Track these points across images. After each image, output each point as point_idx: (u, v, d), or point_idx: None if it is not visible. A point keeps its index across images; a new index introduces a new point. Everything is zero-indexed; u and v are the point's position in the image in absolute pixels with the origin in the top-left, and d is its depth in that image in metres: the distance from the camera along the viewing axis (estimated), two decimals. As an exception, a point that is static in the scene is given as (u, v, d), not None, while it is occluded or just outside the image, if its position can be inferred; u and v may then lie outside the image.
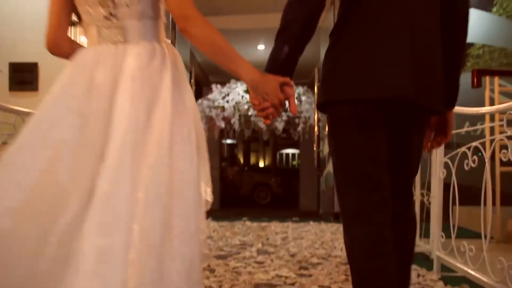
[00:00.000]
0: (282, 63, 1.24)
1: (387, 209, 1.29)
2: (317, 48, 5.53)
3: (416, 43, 1.23)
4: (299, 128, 6.95)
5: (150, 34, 1.27)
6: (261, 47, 7.50)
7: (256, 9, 5.99)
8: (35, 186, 1.13)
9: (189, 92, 1.31)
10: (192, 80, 6.18)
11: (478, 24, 5.13)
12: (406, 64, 1.21)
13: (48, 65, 4.25)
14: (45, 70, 4.27)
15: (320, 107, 1.36)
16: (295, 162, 15.73)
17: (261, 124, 7.13)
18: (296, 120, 6.93)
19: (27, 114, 2.13)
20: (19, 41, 4.30)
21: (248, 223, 5.04)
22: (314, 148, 6.22)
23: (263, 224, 4.99)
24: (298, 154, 12.40)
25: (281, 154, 16.20)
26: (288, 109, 1.26)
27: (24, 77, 4.27)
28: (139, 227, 1.09)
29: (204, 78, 8.58)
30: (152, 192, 1.12)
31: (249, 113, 7.03)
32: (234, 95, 7.20)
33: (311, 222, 5.14)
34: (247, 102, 7.19)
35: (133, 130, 1.14)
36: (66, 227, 1.09)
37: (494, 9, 5.12)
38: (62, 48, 1.34)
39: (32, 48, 4.28)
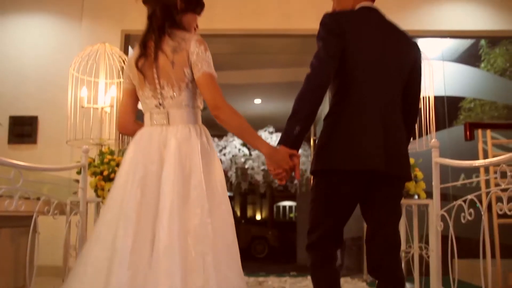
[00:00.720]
0: (294, 138, 1.61)
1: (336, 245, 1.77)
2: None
3: (387, 134, 1.66)
4: (296, 181, 6.95)
5: (187, 119, 1.66)
6: (257, 101, 7.66)
7: (254, 66, 6.18)
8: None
9: (216, 159, 1.68)
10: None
11: (468, 79, 5.29)
12: (380, 147, 1.65)
13: (48, 120, 4.29)
14: (44, 124, 4.31)
15: (313, 172, 1.75)
16: (292, 215, 15.58)
17: (258, 177, 7.14)
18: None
19: (25, 167, 2.14)
20: (20, 95, 4.35)
21: (245, 278, 4.93)
22: (311, 201, 6.19)
23: (260, 279, 4.87)
24: (295, 206, 12.31)
25: (278, 207, 16.06)
26: (294, 174, 1.63)
27: (23, 130, 4.30)
28: (192, 266, 1.47)
29: (201, 131, 8.67)
30: (199, 237, 1.50)
31: (246, 166, 7.05)
32: (231, 148, 7.26)
33: (309, 277, 5.02)
34: (244, 155, 7.24)
35: (177, 192, 1.52)
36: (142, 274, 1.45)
37: (482, 65, 5.30)
38: (128, 130, 1.79)
39: (33, 102, 4.33)
